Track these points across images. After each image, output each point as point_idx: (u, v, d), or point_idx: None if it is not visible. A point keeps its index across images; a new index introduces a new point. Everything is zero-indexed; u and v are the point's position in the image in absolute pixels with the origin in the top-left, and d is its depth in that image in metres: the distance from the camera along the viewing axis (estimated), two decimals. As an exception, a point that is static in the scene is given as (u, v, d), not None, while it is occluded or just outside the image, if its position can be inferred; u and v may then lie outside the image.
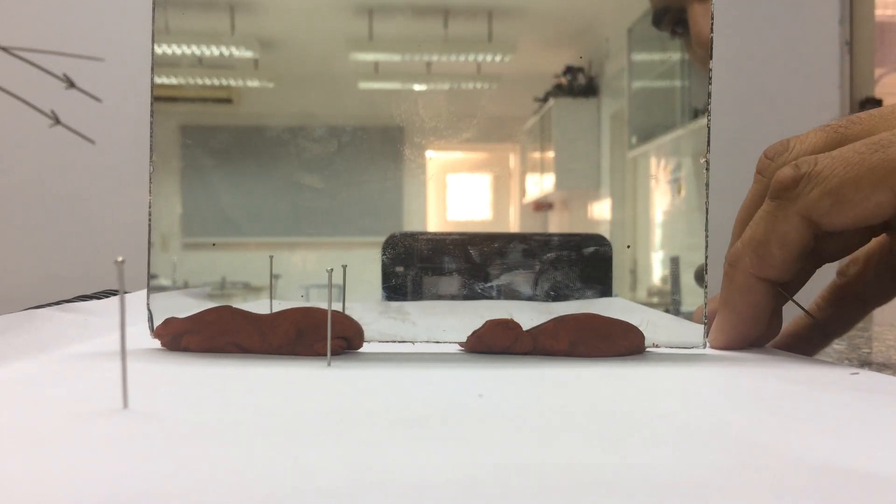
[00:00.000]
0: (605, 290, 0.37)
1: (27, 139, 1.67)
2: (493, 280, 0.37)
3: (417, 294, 0.37)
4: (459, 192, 0.43)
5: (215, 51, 0.37)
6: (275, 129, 0.37)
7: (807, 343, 0.39)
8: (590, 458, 0.18)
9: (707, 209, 0.35)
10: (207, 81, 0.38)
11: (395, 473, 0.16)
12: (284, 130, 0.37)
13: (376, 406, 0.23)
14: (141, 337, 0.35)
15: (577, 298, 0.37)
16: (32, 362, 0.31)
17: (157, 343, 0.34)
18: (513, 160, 0.43)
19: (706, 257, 0.35)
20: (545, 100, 0.39)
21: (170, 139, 0.36)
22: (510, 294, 0.37)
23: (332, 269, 0.30)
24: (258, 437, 0.19)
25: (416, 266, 0.37)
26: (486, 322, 0.35)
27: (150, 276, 0.36)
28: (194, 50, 0.37)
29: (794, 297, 0.38)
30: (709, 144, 0.34)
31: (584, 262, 0.37)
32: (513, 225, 0.43)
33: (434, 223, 0.41)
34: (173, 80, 0.37)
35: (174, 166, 0.37)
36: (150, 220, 0.35)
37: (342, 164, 0.37)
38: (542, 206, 0.44)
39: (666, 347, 0.36)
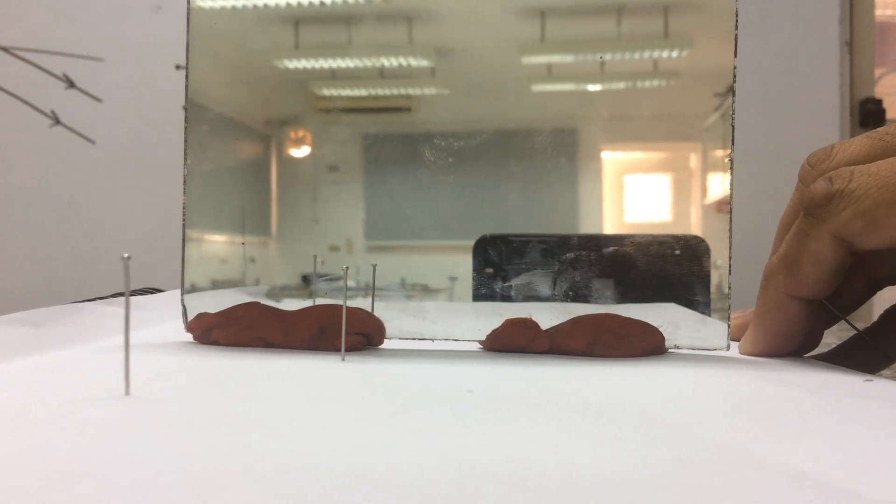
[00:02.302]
0: (702, 293, 0.37)
1: (27, 139, 1.67)
2: (581, 282, 0.37)
3: (506, 296, 0.37)
4: (637, 194, 0.42)
5: (394, 61, 0.38)
6: (451, 135, 0.38)
7: (860, 361, 0.37)
8: (525, 452, 0.18)
9: (731, 209, 0.35)
10: (388, 91, 0.39)
11: (367, 459, 0.17)
12: (460, 135, 0.38)
13: (372, 398, 0.24)
14: (178, 331, 0.37)
15: (644, 302, 0.37)
16: (66, 352, 0.32)
17: (190, 337, 0.36)
18: (693, 159, 0.41)
19: (730, 258, 0.35)
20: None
21: (354, 147, 0.38)
22: (600, 297, 0.37)
23: (347, 268, 0.31)
24: (247, 424, 0.20)
25: (506, 268, 0.37)
26: (505, 321, 0.35)
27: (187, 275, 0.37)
28: (374, 62, 0.38)
29: (850, 315, 0.37)
30: (733, 143, 0.34)
31: (681, 265, 0.37)
32: (694, 226, 0.42)
33: (610, 225, 0.41)
34: (358, 92, 0.38)
35: (358, 173, 0.39)
36: (184, 219, 0.36)
37: (517, 167, 0.37)
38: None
39: (688, 349, 0.36)
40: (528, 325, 0.35)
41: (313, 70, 0.38)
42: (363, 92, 0.39)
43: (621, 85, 0.37)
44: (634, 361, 0.33)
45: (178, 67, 1.61)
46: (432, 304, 0.38)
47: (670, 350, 0.36)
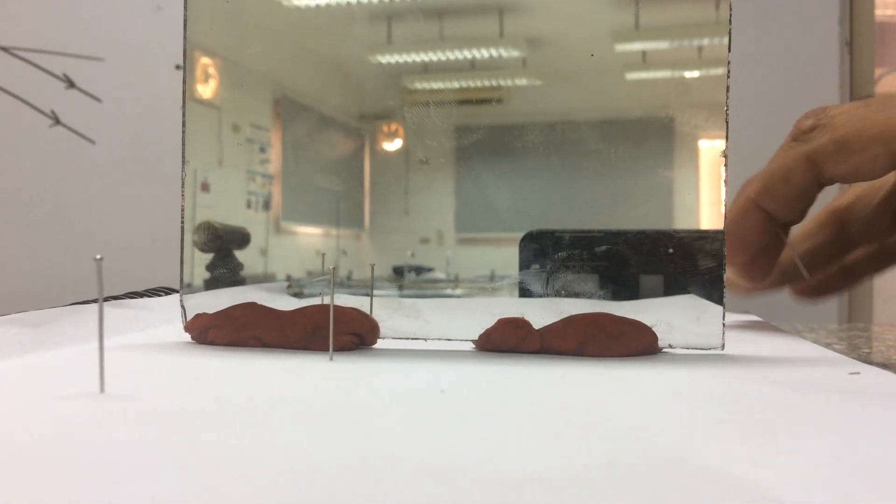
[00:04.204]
0: (718, 288, 0.36)
1: (27, 139, 1.67)
2: (624, 278, 0.37)
3: (552, 291, 0.37)
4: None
5: (485, 53, 0.39)
6: (544, 126, 0.38)
7: (793, 277, 0.42)
8: (457, 451, 0.18)
9: (725, 204, 0.35)
10: (479, 83, 0.39)
11: (290, 456, 0.18)
12: (553, 126, 0.37)
13: (342, 397, 0.25)
14: (179, 331, 0.37)
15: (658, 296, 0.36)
16: (62, 351, 0.33)
17: (188, 337, 0.36)
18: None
19: (724, 255, 0.35)
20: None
21: (446, 139, 0.38)
22: (647, 292, 0.36)
23: (334, 267, 0.32)
24: (199, 421, 0.21)
25: (553, 263, 0.37)
26: (497, 320, 0.35)
27: (186, 277, 0.37)
28: (466, 54, 0.39)
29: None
30: (727, 139, 0.34)
31: (699, 259, 0.36)
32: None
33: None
34: (449, 85, 0.39)
35: (449, 165, 0.39)
36: (182, 220, 0.36)
37: (610, 158, 0.37)
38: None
39: (682, 348, 0.36)
40: (520, 324, 0.35)
41: (405, 64, 0.38)
42: (455, 84, 0.39)
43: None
44: (623, 361, 0.33)
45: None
46: (427, 303, 0.38)
47: (664, 350, 0.36)
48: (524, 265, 0.37)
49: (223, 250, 0.40)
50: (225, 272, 0.39)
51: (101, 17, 1.66)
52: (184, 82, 0.36)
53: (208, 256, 0.40)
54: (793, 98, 1.41)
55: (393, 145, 0.39)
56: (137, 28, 1.66)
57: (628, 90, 0.37)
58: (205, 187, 0.37)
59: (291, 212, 0.39)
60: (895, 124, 0.33)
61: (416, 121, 0.37)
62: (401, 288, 0.39)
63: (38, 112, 1.62)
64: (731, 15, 0.34)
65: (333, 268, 0.32)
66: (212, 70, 0.36)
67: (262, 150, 0.39)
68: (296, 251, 0.38)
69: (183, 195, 0.36)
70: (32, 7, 1.65)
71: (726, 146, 0.34)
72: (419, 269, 0.39)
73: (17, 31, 1.63)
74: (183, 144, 0.36)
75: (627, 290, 0.36)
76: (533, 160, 0.37)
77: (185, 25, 0.35)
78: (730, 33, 0.34)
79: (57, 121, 1.62)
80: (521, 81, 0.39)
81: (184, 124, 0.36)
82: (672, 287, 0.36)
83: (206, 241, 0.40)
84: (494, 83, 0.39)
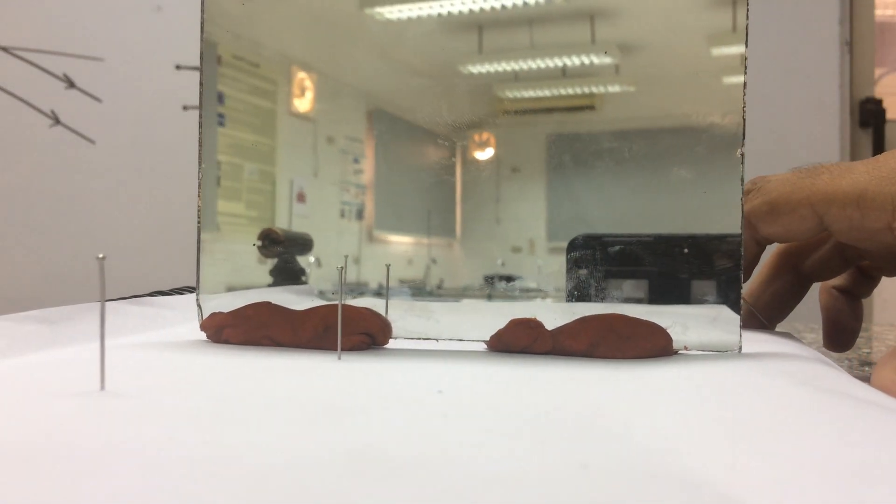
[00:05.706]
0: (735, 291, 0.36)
1: (27, 139, 1.66)
2: (675, 283, 0.36)
3: (600, 296, 0.37)
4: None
5: (576, 60, 0.38)
6: (636, 133, 0.37)
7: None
8: (430, 449, 0.18)
9: (742, 204, 0.34)
10: (571, 91, 0.39)
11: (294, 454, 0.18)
12: (646, 133, 0.37)
13: (337, 397, 0.24)
14: (195, 330, 0.37)
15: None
16: (76, 348, 0.32)
17: (204, 335, 0.36)
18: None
19: (741, 256, 0.34)
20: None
21: (537, 148, 0.38)
22: (696, 299, 0.36)
23: (342, 267, 0.32)
24: (186, 418, 0.21)
25: (601, 269, 0.37)
26: (510, 321, 0.34)
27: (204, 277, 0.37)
28: (556, 62, 0.38)
29: (791, 313, 0.44)
30: (744, 137, 0.34)
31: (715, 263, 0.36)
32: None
33: None
34: (540, 93, 0.39)
35: (540, 174, 0.39)
36: (199, 221, 0.36)
37: (706, 165, 0.36)
38: None
39: (697, 350, 0.35)
40: (532, 325, 0.34)
41: (496, 73, 0.38)
42: (546, 92, 0.39)
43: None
44: (634, 363, 0.32)
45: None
46: (439, 304, 0.38)
47: (680, 352, 0.34)
48: (571, 270, 0.37)
49: (285, 256, 0.41)
50: (285, 278, 0.40)
51: (101, 17, 1.65)
52: (200, 84, 0.36)
53: (271, 261, 0.40)
54: (793, 98, 1.43)
55: (484, 154, 0.39)
56: (137, 28, 1.65)
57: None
58: (301, 198, 0.38)
59: (383, 221, 0.40)
60: (818, 189, 0.37)
61: (507, 129, 0.38)
62: (490, 297, 0.39)
63: (38, 112, 1.61)
64: (748, 11, 0.34)
65: (341, 267, 0.32)
66: (308, 83, 0.36)
67: (356, 160, 0.39)
68: (387, 260, 0.38)
69: (199, 195, 0.36)
70: (32, 7, 1.64)
71: (743, 145, 0.34)
72: (508, 279, 0.39)
73: (17, 31, 1.62)
74: (199, 146, 0.36)
75: (677, 295, 0.36)
76: (625, 168, 0.37)
77: (202, 27, 0.35)
78: (747, 29, 0.34)
79: (57, 121, 1.61)
80: (614, 88, 0.39)
81: (200, 126, 0.36)
82: (721, 291, 0.36)
83: (268, 247, 0.41)
84: (586, 90, 0.39)
